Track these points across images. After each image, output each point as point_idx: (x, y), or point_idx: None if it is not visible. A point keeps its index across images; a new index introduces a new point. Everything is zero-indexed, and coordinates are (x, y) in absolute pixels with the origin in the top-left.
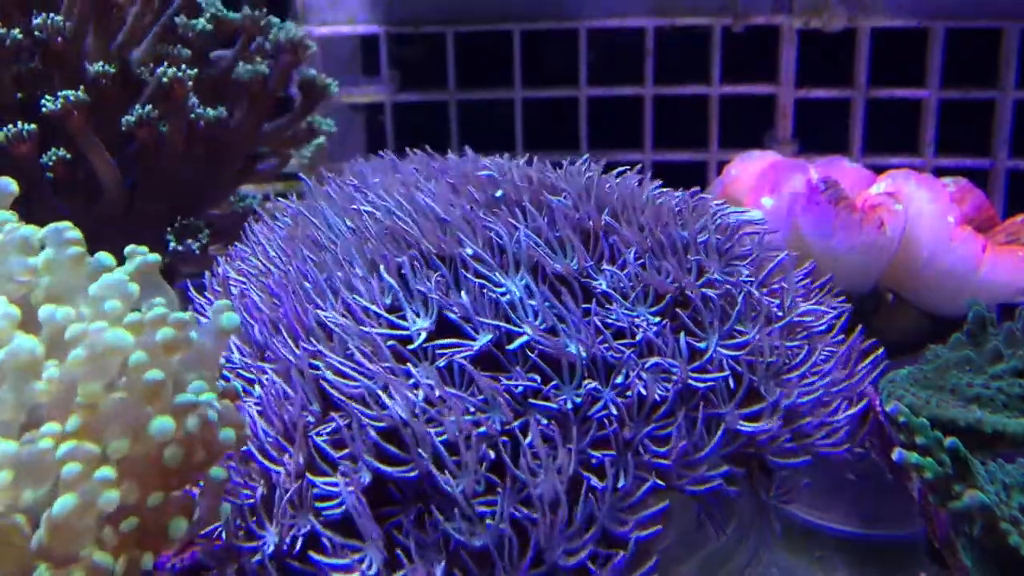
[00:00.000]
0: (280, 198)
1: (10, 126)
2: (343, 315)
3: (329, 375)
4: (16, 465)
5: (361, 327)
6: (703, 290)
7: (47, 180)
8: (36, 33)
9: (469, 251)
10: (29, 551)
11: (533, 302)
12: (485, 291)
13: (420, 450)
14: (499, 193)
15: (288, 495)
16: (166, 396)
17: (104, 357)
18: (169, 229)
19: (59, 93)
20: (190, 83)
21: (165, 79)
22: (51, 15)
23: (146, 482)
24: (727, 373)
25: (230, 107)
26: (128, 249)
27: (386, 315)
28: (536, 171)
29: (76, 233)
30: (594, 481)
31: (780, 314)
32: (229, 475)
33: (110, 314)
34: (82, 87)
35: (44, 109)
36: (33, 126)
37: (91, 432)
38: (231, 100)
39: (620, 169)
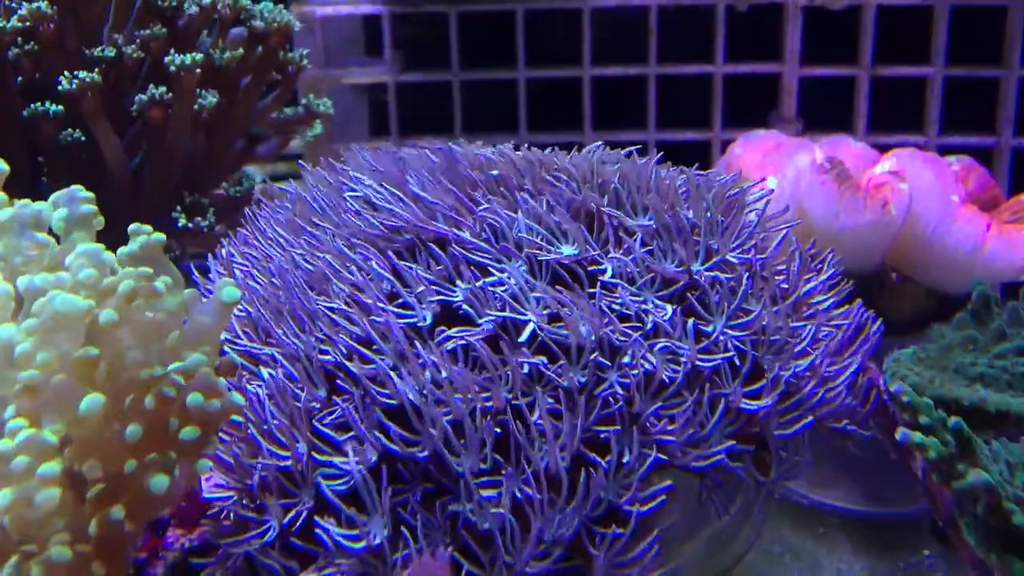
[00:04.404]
0: (284, 180)
1: (36, 104)
2: (347, 303)
3: (336, 357)
4: None
5: (366, 314)
6: (709, 273)
7: (62, 160)
8: (25, 23)
9: (469, 237)
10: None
11: (536, 293)
12: (485, 280)
13: (431, 430)
14: (494, 172)
15: (293, 475)
16: (111, 370)
17: (57, 324)
18: (179, 207)
19: (75, 74)
20: (198, 71)
21: (173, 67)
22: (36, 3)
23: (110, 457)
24: (732, 354)
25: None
26: (132, 227)
27: (389, 306)
28: (541, 155)
29: (88, 194)
30: (600, 460)
31: (786, 286)
32: (200, 436)
33: (85, 282)
34: (97, 70)
35: (60, 88)
36: (60, 107)
37: (33, 416)
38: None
39: (628, 150)
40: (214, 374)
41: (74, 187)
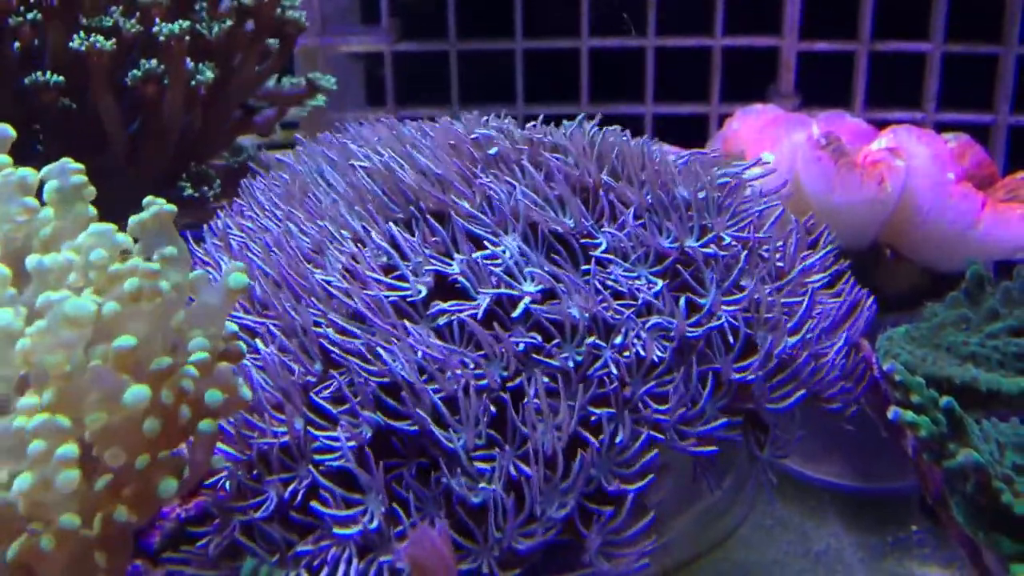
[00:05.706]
0: (281, 149)
1: (38, 74)
2: (342, 275)
3: (330, 333)
4: None
5: (360, 287)
6: (704, 250)
7: (58, 129)
8: None
9: (465, 210)
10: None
11: (531, 268)
12: (482, 252)
13: (419, 407)
14: (493, 150)
15: (291, 450)
16: (145, 358)
17: (64, 328)
18: (184, 176)
19: (84, 36)
20: (187, 38)
21: (162, 37)
22: None
23: (132, 446)
24: (722, 322)
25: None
26: (147, 200)
27: (384, 277)
28: (537, 131)
29: (79, 166)
30: (593, 440)
31: (781, 264)
32: (218, 430)
33: (96, 263)
34: (103, 36)
35: (71, 46)
36: (60, 77)
37: (68, 403)
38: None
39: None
40: (228, 367)
41: (64, 159)
